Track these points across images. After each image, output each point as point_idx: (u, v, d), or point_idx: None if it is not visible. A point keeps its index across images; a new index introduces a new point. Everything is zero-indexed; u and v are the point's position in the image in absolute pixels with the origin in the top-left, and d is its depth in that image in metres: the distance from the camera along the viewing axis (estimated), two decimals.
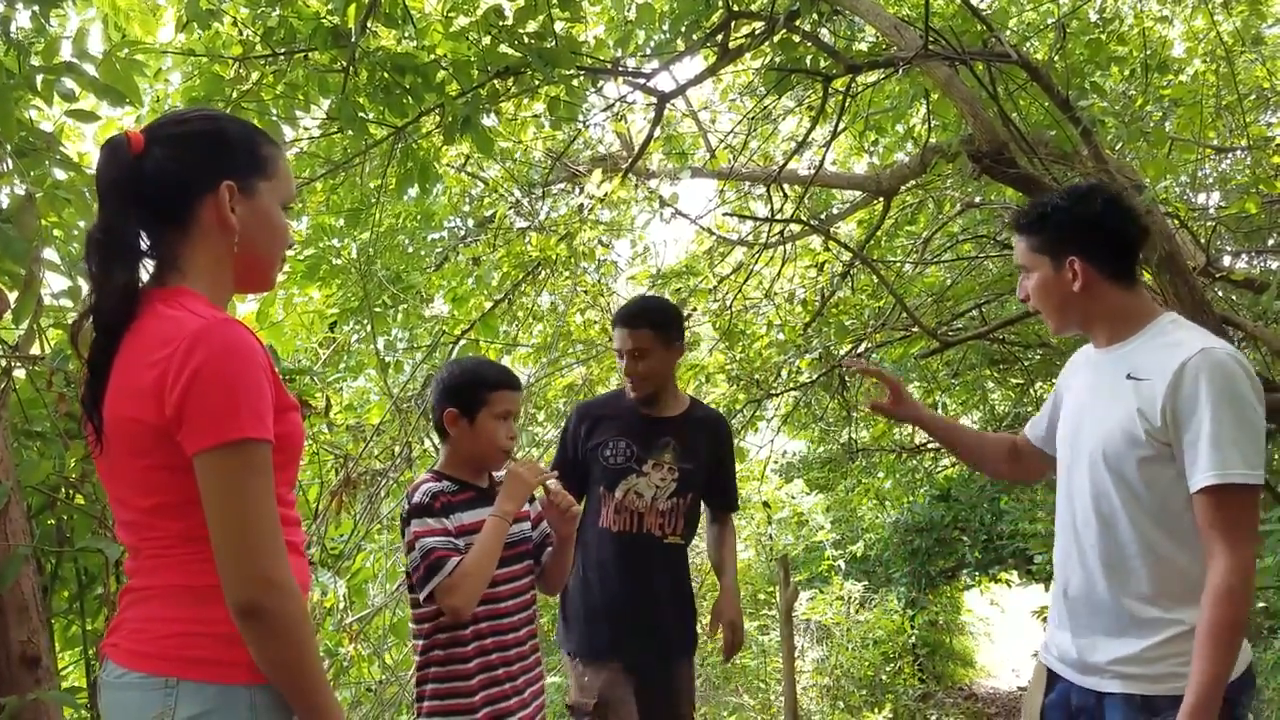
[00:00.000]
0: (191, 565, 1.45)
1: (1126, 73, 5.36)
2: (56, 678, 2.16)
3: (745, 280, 6.01)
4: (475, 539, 2.31)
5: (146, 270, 1.55)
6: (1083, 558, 2.04)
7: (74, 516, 2.39)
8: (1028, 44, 5.20)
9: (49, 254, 2.32)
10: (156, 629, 1.45)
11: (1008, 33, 4.90)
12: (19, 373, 2.34)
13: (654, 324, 2.92)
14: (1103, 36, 4.89)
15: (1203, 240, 5.35)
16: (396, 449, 4.75)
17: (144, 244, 1.53)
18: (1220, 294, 5.55)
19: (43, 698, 1.99)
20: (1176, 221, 4.83)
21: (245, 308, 5.26)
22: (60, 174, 2.38)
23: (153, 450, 1.43)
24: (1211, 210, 6.10)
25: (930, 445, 6.00)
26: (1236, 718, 1.90)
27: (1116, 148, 4.98)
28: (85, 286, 1.56)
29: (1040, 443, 2.37)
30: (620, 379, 3.01)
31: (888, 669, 8.81)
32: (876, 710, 8.22)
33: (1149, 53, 5.15)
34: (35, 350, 2.40)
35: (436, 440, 4.89)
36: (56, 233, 2.36)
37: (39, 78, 2.48)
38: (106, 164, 1.50)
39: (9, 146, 2.28)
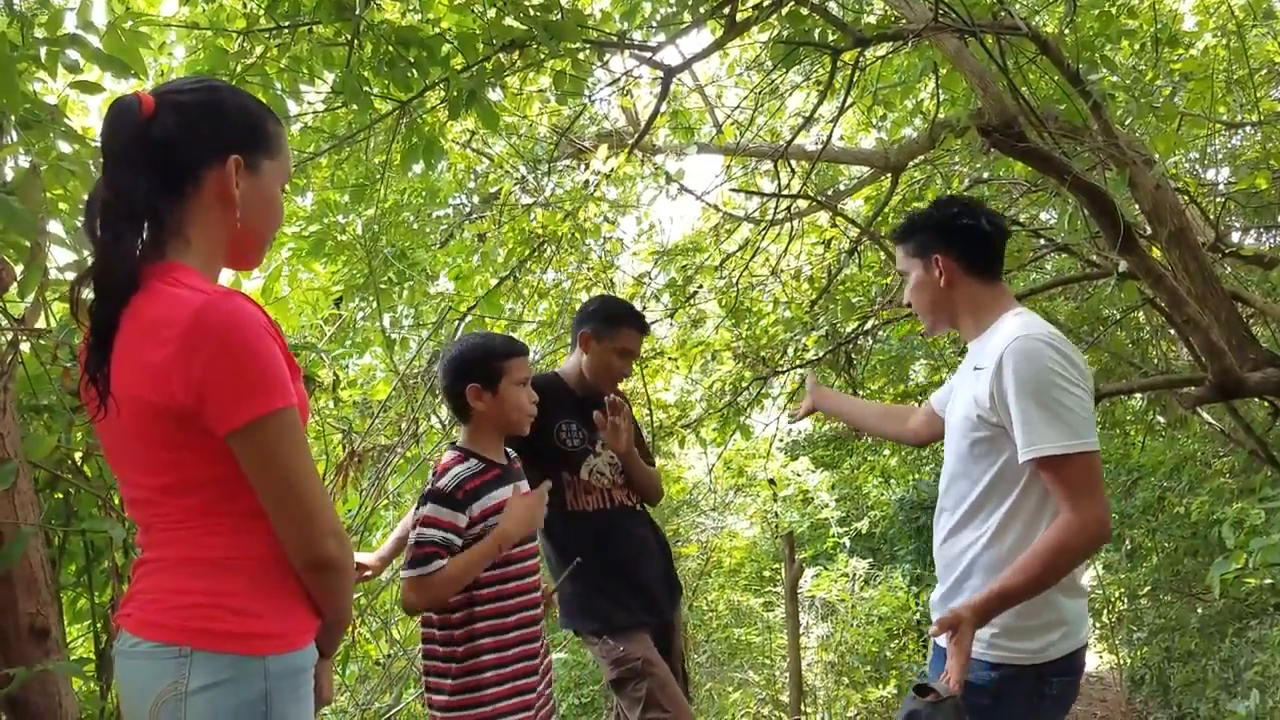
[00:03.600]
0: (204, 539, 1.46)
1: (1137, 46, 5.31)
2: (65, 649, 2.17)
3: (751, 257, 5.97)
4: (492, 522, 2.38)
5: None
6: (940, 513, 2.30)
7: (80, 491, 2.39)
8: (1038, 17, 5.15)
9: (54, 227, 2.31)
10: (170, 599, 1.45)
11: (1018, 5, 4.85)
12: (24, 346, 2.33)
13: None
14: (1113, 10, 4.84)
15: (1212, 216, 5.33)
16: (403, 425, 4.76)
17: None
18: (1229, 270, 5.53)
19: (52, 668, 1.99)
20: (1186, 197, 4.81)
21: (250, 284, 5.25)
22: (65, 146, 2.36)
23: (160, 431, 1.41)
24: (1221, 186, 6.06)
25: None
26: (1042, 694, 2.06)
27: (1126, 122, 4.94)
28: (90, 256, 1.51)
29: (942, 411, 2.57)
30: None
31: (892, 645, 8.84)
32: (881, 686, 8.26)
33: (1160, 26, 5.10)
34: (40, 324, 2.40)
35: (443, 416, 4.91)
36: (61, 205, 2.35)
37: (43, 50, 2.47)
38: (114, 124, 1.46)
39: (13, 118, 2.26)
